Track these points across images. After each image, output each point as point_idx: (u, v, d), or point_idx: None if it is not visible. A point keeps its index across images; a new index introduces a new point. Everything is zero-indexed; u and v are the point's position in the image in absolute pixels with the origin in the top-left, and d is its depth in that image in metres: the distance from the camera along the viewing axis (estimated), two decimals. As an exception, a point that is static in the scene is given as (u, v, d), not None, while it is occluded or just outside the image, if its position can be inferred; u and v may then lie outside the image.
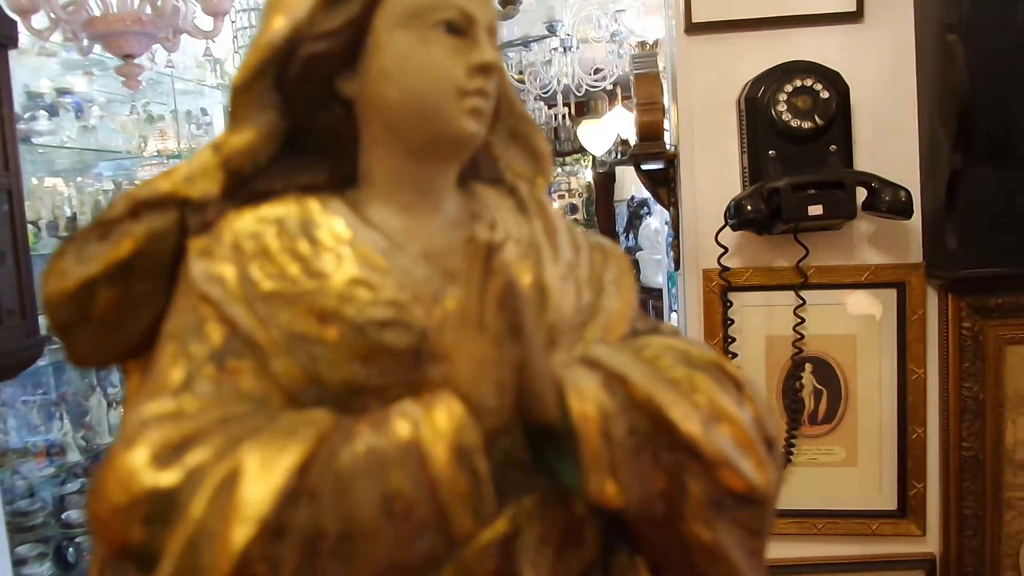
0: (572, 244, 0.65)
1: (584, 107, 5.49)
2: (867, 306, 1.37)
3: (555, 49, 3.83)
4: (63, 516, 2.76)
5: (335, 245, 0.56)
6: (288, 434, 0.48)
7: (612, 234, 4.88)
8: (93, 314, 0.58)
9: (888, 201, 1.24)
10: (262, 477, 0.46)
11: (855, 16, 1.33)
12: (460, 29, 0.57)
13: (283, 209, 0.57)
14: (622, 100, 4.59)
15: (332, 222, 0.57)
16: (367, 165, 0.60)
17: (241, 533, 0.45)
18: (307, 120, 0.59)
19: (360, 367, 0.54)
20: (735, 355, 1.36)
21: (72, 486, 2.85)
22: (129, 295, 0.58)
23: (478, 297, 0.49)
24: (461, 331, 0.50)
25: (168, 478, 0.47)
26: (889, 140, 1.33)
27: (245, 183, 0.58)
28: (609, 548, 0.61)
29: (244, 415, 0.52)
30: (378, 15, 0.57)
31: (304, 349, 0.53)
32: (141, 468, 0.48)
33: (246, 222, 0.57)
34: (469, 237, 0.50)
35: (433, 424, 0.49)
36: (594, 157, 5.17)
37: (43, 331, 2.24)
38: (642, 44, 3.20)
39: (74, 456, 2.74)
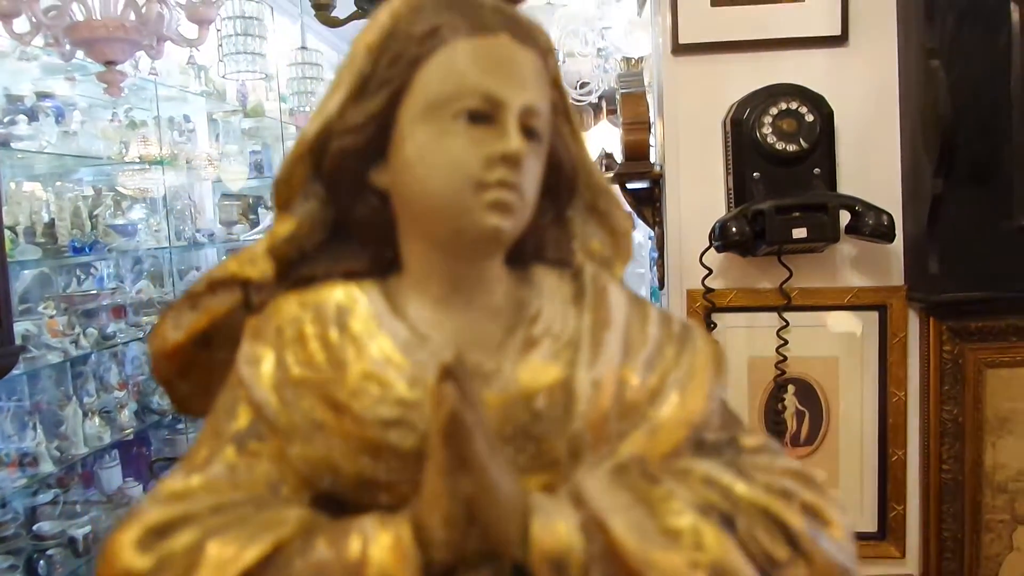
0: (625, 342, 0.59)
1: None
2: (848, 324, 1.38)
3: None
4: (34, 528, 2.71)
5: (360, 336, 0.56)
6: (250, 536, 0.50)
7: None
8: (188, 373, 0.63)
9: (871, 225, 1.24)
10: (215, 573, 0.48)
11: (840, 40, 1.34)
12: (485, 117, 0.54)
13: (324, 295, 0.58)
14: (607, 114, 4.61)
15: (363, 311, 0.57)
16: (404, 253, 0.59)
17: None
18: (347, 209, 0.59)
19: (369, 462, 0.53)
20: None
21: (44, 497, 2.80)
22: (213, 361, 0.61)
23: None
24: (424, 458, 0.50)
25: (142, 562, 0.50)
26: (872, 164, 1.34)
27: (295, 267, 0.60)
28: None
29: (236, 503, 0.53)
30: (402, 108, 0.55)
31: (322, 438, 0.54)
32: (125, 548, 0.51)
33: (290, 306, 0.58)
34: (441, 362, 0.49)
35: (379, 547, 0.49)
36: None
37: (18, 340, 2.21)
38: (627, 60, 3.21)
39: (47, 467, 2.69)
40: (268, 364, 0.56)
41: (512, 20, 0.56)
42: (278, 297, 0.59)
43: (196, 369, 0.62)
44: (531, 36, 0.56)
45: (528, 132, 0.55)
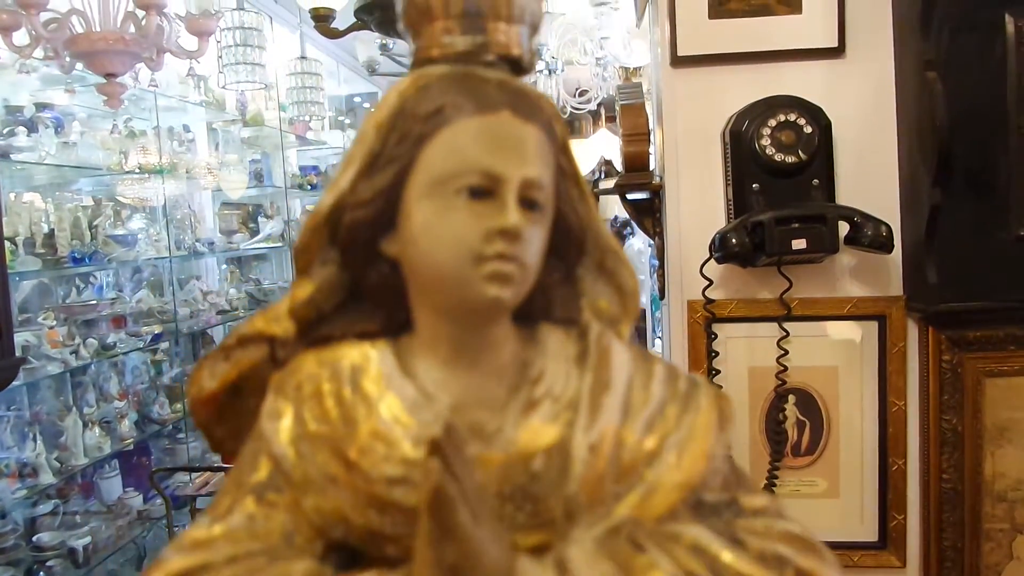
0: (625, 403, 0.60)
1: (568, 127, 5.53)
2: (848, 334, 1.38)
3: (540, 71, 3.86)
4: (34, 539, 2.71)
5: (370, 395, 0.59)
6: None
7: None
8: (222, 419, 0.67)
9: (870, 236, 1.25)
10: None
11: (837, 52, 1.35)
12: (486, 192, 0.56)
13: (341, 354, 0.61)
14: (606, 120, 4.63)
15: (374, 370, 0.60)
16: (415, 316, 0.62)
17: None
18: (360, 275, 0.62)
19: (376, 516, 0.56)
20: (720, 387, 1.36)
21: (44, 508, 2.80)
22: (243, 408, 0.65)
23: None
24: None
25: None
26: (870, 175, 1.35)
27: (314, 327, 0.63)
28: None
29: (252, 554, 0.57)
30: (409, 184, 0.58)
31: (334, 491, 0.57)
32: None
33: (310, 364, 0.61)
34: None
35: None
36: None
37: (18, 351, 2.20)
38: (624, 69, 3.23)
39: (47, 478, 2.69)
40: (287, 419, 0.60)
41: (515, 95, 0.58)
42: (299, 354, 0.63)
43: (229, 415, 0.66)
44: (534, 110, 0.58)
45: (529, 203, 0.57)
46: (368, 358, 0.60)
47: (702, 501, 0.60)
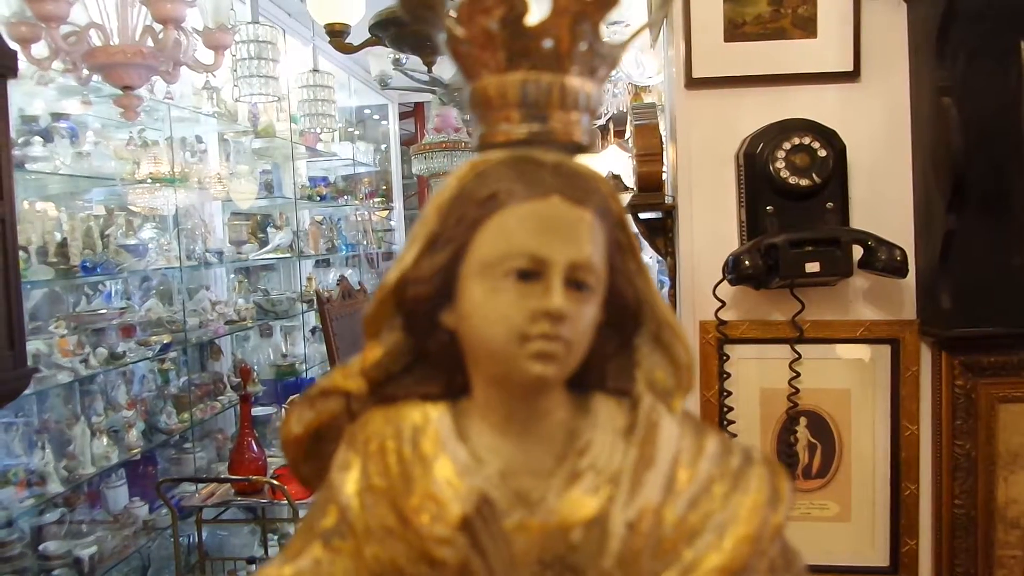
0: (668, 480, 0.61)
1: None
2: (861, 357, 1.38)
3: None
4: (40, 547, 2.70)
5: (427, 455, 0.63)
6: None
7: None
8: (308, 460, 0.71)
9: (884, 260, 1.25)
10: None
11: (852, 76, 1.36)
12: (533, 274, 0.59)
13: (404, 414, 0.65)
14: (615, 136, 4.63)
15: (432, 432, 0.64)
16: (472, 382, 0.66)
17: None
18: (423, 342, 0.66)
19: (427, 570, 0.60)
20: (731, 408, 1.36)
21: (51, 516, 2.80)
22: (325, 452, 0.70)
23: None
24: None
25: None
26: (885, 199, 1.35)
27: (383, 386, 0.68)
28: None
29: None
30: (464, 263, 0.61)
31: (392, 542, 0.61)
32: None
33: (377, 421, 0.66)
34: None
35: None
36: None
37: (29, 361, 2.21)
38: (635, 86, 3.24)
39: (55, 486, 2.68)
40: (355, 471, 0.64)
41: (569, 179, 0.60)
42: (369, 411, 0.67)
43: (313, 457, 0.71)
44: (587, 192, 0.60)
45: (577, 284, 0.59)
46: (428, 419, 0.64)
47: None
